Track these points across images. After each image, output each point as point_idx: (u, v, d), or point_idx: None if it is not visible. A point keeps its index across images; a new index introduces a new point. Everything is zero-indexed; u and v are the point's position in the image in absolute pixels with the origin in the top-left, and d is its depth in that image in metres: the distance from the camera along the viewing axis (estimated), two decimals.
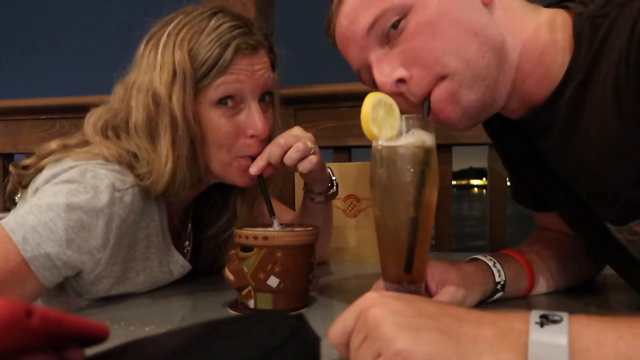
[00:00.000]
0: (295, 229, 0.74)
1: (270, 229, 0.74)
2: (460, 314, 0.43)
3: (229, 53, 0.78)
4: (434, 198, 0.67)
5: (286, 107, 1.47)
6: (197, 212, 1.00)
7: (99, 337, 0.35)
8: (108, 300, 0.83)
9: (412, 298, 0.46)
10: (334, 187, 0.96)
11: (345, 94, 1.42)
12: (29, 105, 1.65)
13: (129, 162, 0.80)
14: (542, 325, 0.39)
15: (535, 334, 0.38)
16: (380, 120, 0.68)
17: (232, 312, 0.72)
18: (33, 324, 0.28)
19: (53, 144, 0.84)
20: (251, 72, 0.81)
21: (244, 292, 0.72)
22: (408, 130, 0.67)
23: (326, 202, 0.97)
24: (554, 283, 0.81)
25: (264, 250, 0.69)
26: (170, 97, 0.78)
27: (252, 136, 0.82)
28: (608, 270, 1.02)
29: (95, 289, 0.80)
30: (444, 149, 1.42)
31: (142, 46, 0.84)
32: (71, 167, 0.77)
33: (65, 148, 0.83)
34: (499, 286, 0.73)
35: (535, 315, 0.40)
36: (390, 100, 0.69)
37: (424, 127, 0.68)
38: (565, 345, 0.37)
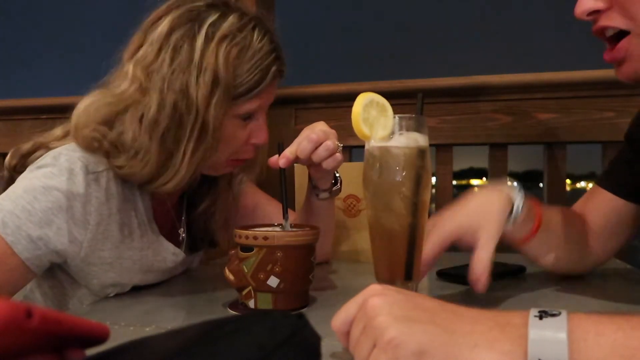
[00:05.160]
0: (295, 229, 0.74)
1: (270, 229, 0.74)
2: (459, 311, 0.43)
3: (267, 80, 0.82)
4: (428, 198, 0.68)
5: (286, 107, 1.48)
6: (188, 198, 1.02)
7: (100, 337, 0.35)
8: (108, 300, 0.83)
9: (413, 293, 0.47)
10: (338, 184, 0.96)
11: (345, 94, 1.42)
12: (29, 105, 1.65)
13: (107, 151, 0.79)
14: (541, 318, 0.39)
15: (535, 326, 0.39)
16: (372, 120, 0.68)
17: (232, 312, 0.72)
18: (33, 324, 0.27)
19: (58, 130, 0.86)
20: (272, 94, 0.87)
21: (244, 292, 0.72)
22: (401, 130, 0.67)
23: (330, 200, 0.97)
24: (554, 249, 0.83)
25: (264, 250, 0.69)
26: (207, 107, 0.77)
27: (253, 144, 0.87)
28: (609, 270, 1.02)
29: (89, 277, 0.81)
30: (444, 149, 1.42)
31: (165, 27, 0.79)
32: (47, 155, 0.78)
33: (68, 134, 0.84)
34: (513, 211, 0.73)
35: (534, 311, 0.40)
36: (382, 100, 0.69)
37: (417, 127, 0.69)
38: (564, 336, 0.38)
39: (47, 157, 0.77)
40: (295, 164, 1.00)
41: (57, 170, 0.75)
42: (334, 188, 0.96)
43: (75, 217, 0.74)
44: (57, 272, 0.82)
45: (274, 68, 0.83)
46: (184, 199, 1.01)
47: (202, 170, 0.88)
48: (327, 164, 0.83)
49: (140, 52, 0.81)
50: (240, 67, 0.80)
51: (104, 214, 0.78)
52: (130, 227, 0.83)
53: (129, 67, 0.81)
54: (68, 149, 0.79)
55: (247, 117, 0.85)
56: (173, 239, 0.94)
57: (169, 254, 0.91)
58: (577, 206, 0.93)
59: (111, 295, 0.84)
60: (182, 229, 0.98)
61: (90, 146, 0.79)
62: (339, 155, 0.84)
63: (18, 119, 1.66)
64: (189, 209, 1.01)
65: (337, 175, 0.96)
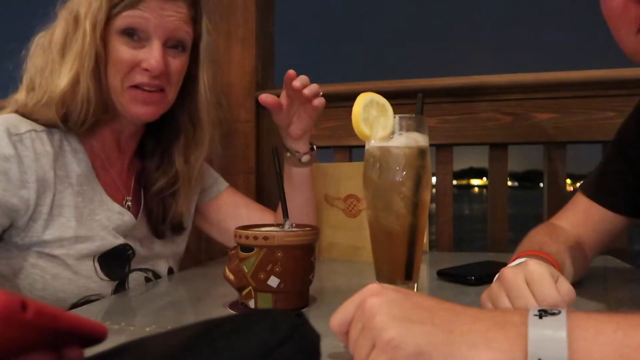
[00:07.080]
0: (295, 229, 0.74)
1: (270, 229, 0.74)
2: (457, 310, 0.43)
3: None
4: (428, 198, 0.68)
5: None
6: (147, 176, 1.03)
7: (97, 336, 0.35)
8: (108, 300, 0.83)
9: (411, 292, 0.46)
10: (314, 147, 1.05)
11: (345, 94, 1.42)
12: None
13: (28, 93, 0.88)
14: (540, 316, 0.39)
15: (534, 325, 0.39)
16: (372, 120, 0.68)
17: (232, 312, 0.72)
18: (28, 317, 0.27)
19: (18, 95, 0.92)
20: (159, 14, 0.88)
21: (244, 292, 0.72)
22: (401, 130, 0.67)
23: (309, 167, 1.04)
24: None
25: (264, 251, 0.69)
26: (86, 16, 0.86)
27: (146, 70, 0.88)
28: (609, 270, 1.02)
29: (29, 235, 0.83)
30: (444, 148, 1.42)
31: None
32: None
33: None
34: None
35: (533, 309, 0.40)
36: (382, 100, 0.69)
37: (417, 127, 0.69)
38: (564, 335, 0.37)
39: None
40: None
41: None
42: (313, 150, 1.04)
43: (14, 178, 0.80)
44: (3, 238, 0.84)
45: None
46: (134, 171, 1.02)
47: (115, 104, 0.91)
48: (319, 102, 0.95)
49: None
50: None
51: (39, 171, 0.83)
52: (60, 184, 0.86)
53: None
54: None
55: (131, 34, 0.88)
56: (126, 204, 0.97)
57: (114, 213, 0.93)
58: (562, 218, 0.91)
59: (69, 260, 0.85)
60: (128, 197, 0.99)
61: (35, 99, 0.88)
62: (323, 99, 0.96)
63: None
64: (145, 191, 1.02)
65: (310, 142, 1.05)
